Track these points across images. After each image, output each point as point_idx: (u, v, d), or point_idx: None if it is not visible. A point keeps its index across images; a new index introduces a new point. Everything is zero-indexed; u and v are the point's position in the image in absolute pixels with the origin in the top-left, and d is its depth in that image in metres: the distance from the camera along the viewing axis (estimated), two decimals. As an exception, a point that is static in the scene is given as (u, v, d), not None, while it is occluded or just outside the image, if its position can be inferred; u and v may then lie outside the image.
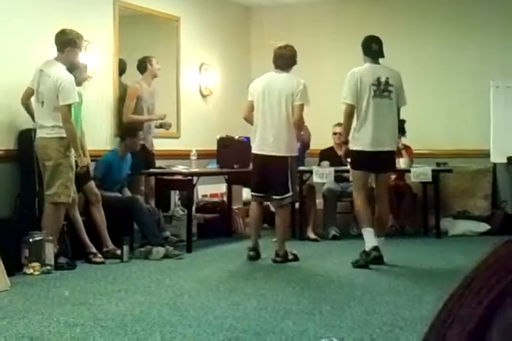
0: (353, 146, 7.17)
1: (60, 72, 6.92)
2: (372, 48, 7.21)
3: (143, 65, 8.75)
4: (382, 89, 7.11)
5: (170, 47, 9.98)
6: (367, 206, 7.20)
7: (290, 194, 7.41)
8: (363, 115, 7.09)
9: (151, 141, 8.79)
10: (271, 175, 7.39)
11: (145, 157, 8.57)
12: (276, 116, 7.35)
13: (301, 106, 7.39)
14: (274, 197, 7.46)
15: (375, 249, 7.01)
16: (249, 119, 7.63)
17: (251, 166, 7.67)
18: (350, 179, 8.09)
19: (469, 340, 0.63)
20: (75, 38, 7.08)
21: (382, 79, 7.11)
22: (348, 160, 7.48)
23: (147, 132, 8.69)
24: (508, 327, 0.62)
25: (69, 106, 6.88)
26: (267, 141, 7.37)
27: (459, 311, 0.65)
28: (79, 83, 7.46)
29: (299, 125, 7.55)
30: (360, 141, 7.10)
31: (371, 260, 7.00)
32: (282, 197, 7.39)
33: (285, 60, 7.50)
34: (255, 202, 7.64)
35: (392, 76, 7.20)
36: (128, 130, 8.22)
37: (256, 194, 7.54)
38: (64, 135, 6.91)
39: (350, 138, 7.19)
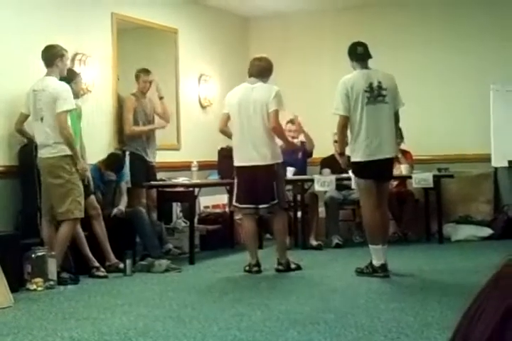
0: (352, 158, 7.05)
1: (54, 83, 6.95)
2: (358, 51, 7.08)
3: (137, 76, 8.76)
4: (376, 94, 6.97)
5: (168, 59, 10.00)
6: (375, 219, 7.02)
7: (276, 201, 7.38)
8: (358, 124, 6.94)
9: (154, 153, 8.78)
10: (258, 185, 7.35)
11: (146, 169, 8.57)
12: (254, 125, 7.33)
13: (276, 112, 7.35)
14: (261, 206, 7.43)
15: (383, 267, 6.95)
16: (225, 132, 7.62)
17: (235, 179, 7.60)
18: (353, 187, 8.08)
19: (494, 332, 0.66)
20: (62, 50, 7.13)
21: (375, 84, 6.98)
22: (350, 170, 7.39)
23: (146, 144, 8.68)
24: None
25: (66, 113, 6.88)
26: (250, 152, 7.34)
27: (487, 307, 0.67)
28: (75, 95, 7.48)
29: (279, 131, 7.51)
30: (359, 152, 6.96)
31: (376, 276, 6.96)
32: (269, 205, 7.37)
33: (260, 69, 7.48)
34: (247, 216, 7.58)
35: (384, 79, 7.05)
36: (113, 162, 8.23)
37: (247, 206, 7.48)
38: (68, 152, 6.93)
39: (349, 150, 7.09)
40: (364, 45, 7.14)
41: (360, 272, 7.06)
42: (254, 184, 7.35)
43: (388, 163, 7.17)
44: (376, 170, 7.00)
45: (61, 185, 6.96)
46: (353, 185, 7.95)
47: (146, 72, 8.78)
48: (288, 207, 8.31)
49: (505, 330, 0.65)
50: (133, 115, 8.60)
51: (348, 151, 7.14)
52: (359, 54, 7.10)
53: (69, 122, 6.97)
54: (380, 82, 7.01)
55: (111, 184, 8.18)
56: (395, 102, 7.12)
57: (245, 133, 7.37)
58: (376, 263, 6.96)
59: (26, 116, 7.18)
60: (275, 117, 7.36)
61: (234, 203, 7.63)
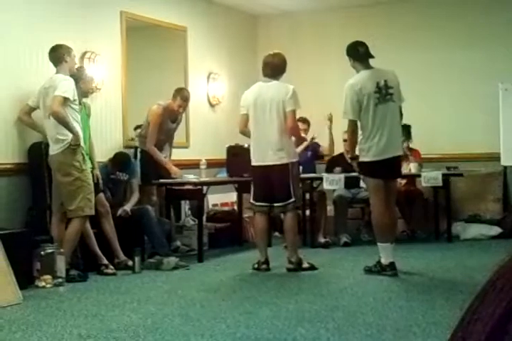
0: (361, 157, 7.01)
1: (59, 77, 6.95)
2: (360, 51, 7.04)
3: (174, 95, 8.62)
4: (384, 93, 6.96)
5: (177, 57, 10.01)
6: (385, 217, 7.03)
7: (292, 200, 7.38)
8: (370, 125, 6.93)
9: (170, 150, 8.79)
10: (274, 184, 7.35)
11: (158, 167, 8.48)
12: (270, 125, 7.31)
13: (293, 112, 7.35)
14: (276, 204, 7.42)
15: (391, 265, 6.94)
16: (245, 133, 7.60)
17: (251, 178, 7.59)
18: (361, 185, 8.07)
19: (491, 335, 0.66)
20: (68, 48, 7.14)
21: (382, 84, 6.96)
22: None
23: (162, 142, 8.64)
24: None
25: (62, 98, 6.81)
26: (266, 152, 7.34)
27: (484, 309, 0.68)
28: (85, 94, 7.50)
29: (295, 131, 7.53)
30: (368, 152, 6.95)
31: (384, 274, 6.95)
32: (284, 203, 7.37)
33: (274, 68, 7.45)
34: (260, 214, 7.58)
35: (389, 77, 7.05)
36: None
37: (261, 204, 7.48)
38: (78, 150, 6.93)
39: (358, 150, 7.05)
40: (365, 45, 7.11)
41: (368, 270, 7.06)
42: (270, 183, 7.35)
43: (397, 162, 7.18)
44: (385, 169, 7.00)
45: (71, 183, 6.97)
46: (362, 184, 7.94)
47: (188, 95, 8.72)
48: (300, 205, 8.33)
49: (503, 334, 0.65)
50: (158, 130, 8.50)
51: (356, 151, 7.11)
52: (361, 54, 7.06)
53: (68, 111, 6.91)
54: (386, 81, 7.00)
55: (121, 182, 8.18)
56: (400, 99, 7.11)
57: (261, 132, 7.36)
58: (384, 261, 6.95)
59: (30, 108, 7.22)
60: (293, 117, 7.35)
61: (251, 200, 7.63)
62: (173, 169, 8.50)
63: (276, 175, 7.32)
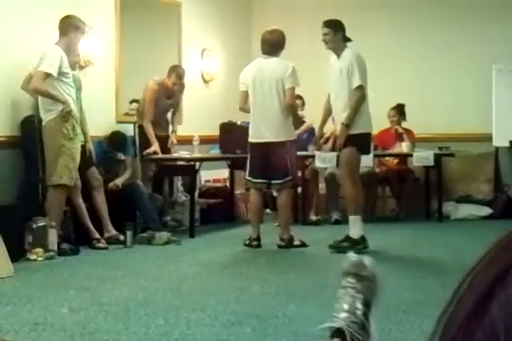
0: (360, 129, 7.01)
1: (48, 50, 6.90)
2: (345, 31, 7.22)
3: (169, 72, 8.59)
4: None
5: (171, 33, 9.95)
6: (360, 190, 7.20)
7: (289, 178, 7.40)
8: (367, 96, 7.06)
9: (171, 124, 8.80)
10: (271, 161, 7.36)
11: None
12: (269, 102, 7.32)
13: (293, 90, 7.37)
14: (274, 181, 7.43)
15: (363, 238, 6.98)
16: (245, 110, 7.60)
17: (248, 154, 7.58)
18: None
19: (476, 308, 0.67)
20: (79, 22, 7.09)
21: None
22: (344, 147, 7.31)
23: (165, 117, 8.64)
24: (507, 299, 0.65)
25: (44, 74, 6.76)
26: (264, 129, 7.34)
27: (473, 281, 0.69)
28: (72, 67, 7.42)
29: (293, 108, 7.53)
30: (368, 123, 7.07)
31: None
32: (282, 181, 7.39)
33: (272, 44, 7.45)
34: (255, 190, 7.59)
35: None
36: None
37: (257, 180, 7.49)
38: (68, 117, 6.91)
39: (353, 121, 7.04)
40: None
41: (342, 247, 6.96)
42: (268, 160, 7.36)
43: None
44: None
45: (55, 149, 6.93)
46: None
47: (183, 72, 8.66)
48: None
49: (491, 298, 0.66)
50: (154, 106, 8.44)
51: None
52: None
53: (59, 85, 6.88)
54: None
55: (117, 161, 8.17)
56: None
57: (260, 110, 7.36)
58: (358, 234, 6.96)
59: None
60: (292, 94, 7.38)
61: (247, 177, 7.63)
62: (153, 149, 8.35)
63: (274, 153, 7.33)
